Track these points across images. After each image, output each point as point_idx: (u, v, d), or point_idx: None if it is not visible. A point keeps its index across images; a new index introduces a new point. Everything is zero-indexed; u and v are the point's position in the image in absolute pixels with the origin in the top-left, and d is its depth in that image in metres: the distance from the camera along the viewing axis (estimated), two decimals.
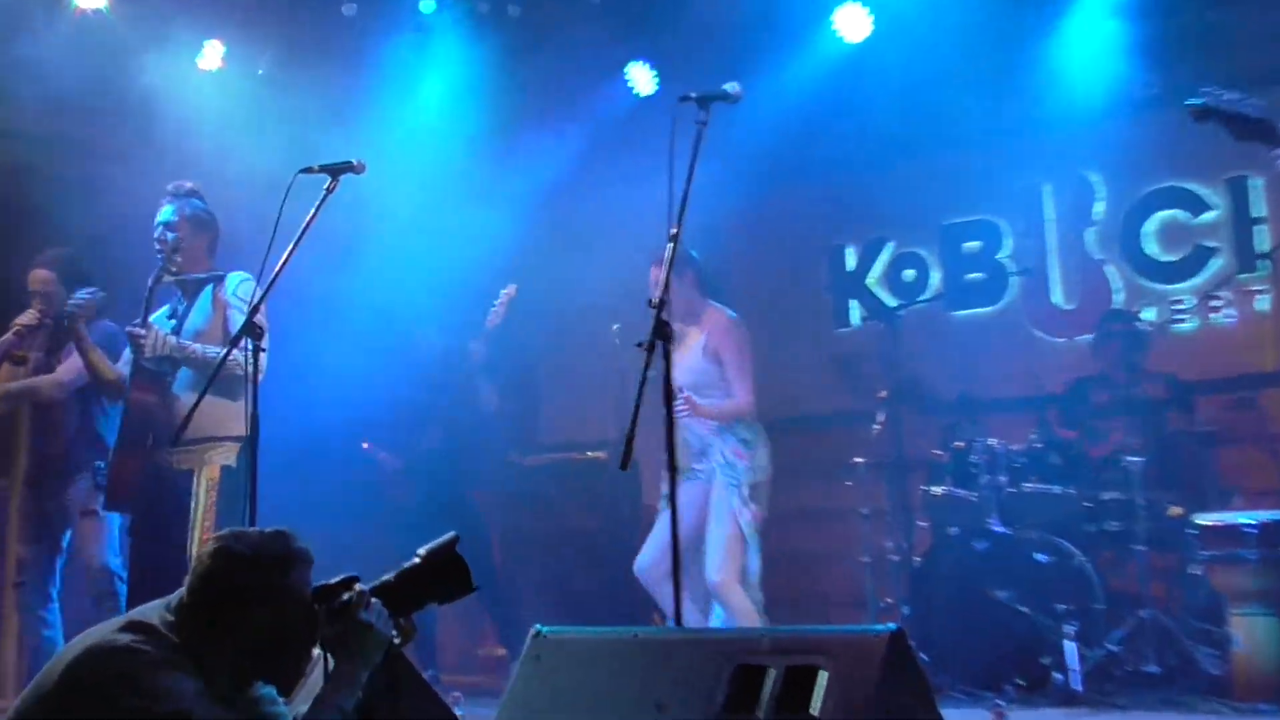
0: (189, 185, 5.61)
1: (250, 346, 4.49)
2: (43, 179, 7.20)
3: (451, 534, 3.24)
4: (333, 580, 3.13)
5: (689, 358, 5.98)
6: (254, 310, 4.52)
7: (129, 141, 6.88)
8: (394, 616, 3.16)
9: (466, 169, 7.81)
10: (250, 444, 4.42)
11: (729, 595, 5.86)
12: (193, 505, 5.20)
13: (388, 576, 3.21)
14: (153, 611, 3.02)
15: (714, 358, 6.02)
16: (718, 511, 5.93)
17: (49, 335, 6.15)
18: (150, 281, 5.41)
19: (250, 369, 4.49)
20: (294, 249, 4.43)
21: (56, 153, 7.43)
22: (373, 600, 3.14)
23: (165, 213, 5.53)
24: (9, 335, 6.01)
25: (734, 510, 5.90)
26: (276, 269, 4.44)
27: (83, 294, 5.79)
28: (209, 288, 5.50)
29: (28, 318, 6.01)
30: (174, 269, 5.44)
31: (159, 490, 5.26)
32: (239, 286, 5.39)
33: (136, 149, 6.79)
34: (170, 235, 5.46)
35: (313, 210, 4.49)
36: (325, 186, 4.54)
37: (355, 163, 4.58)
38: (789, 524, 6.88)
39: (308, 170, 4.51)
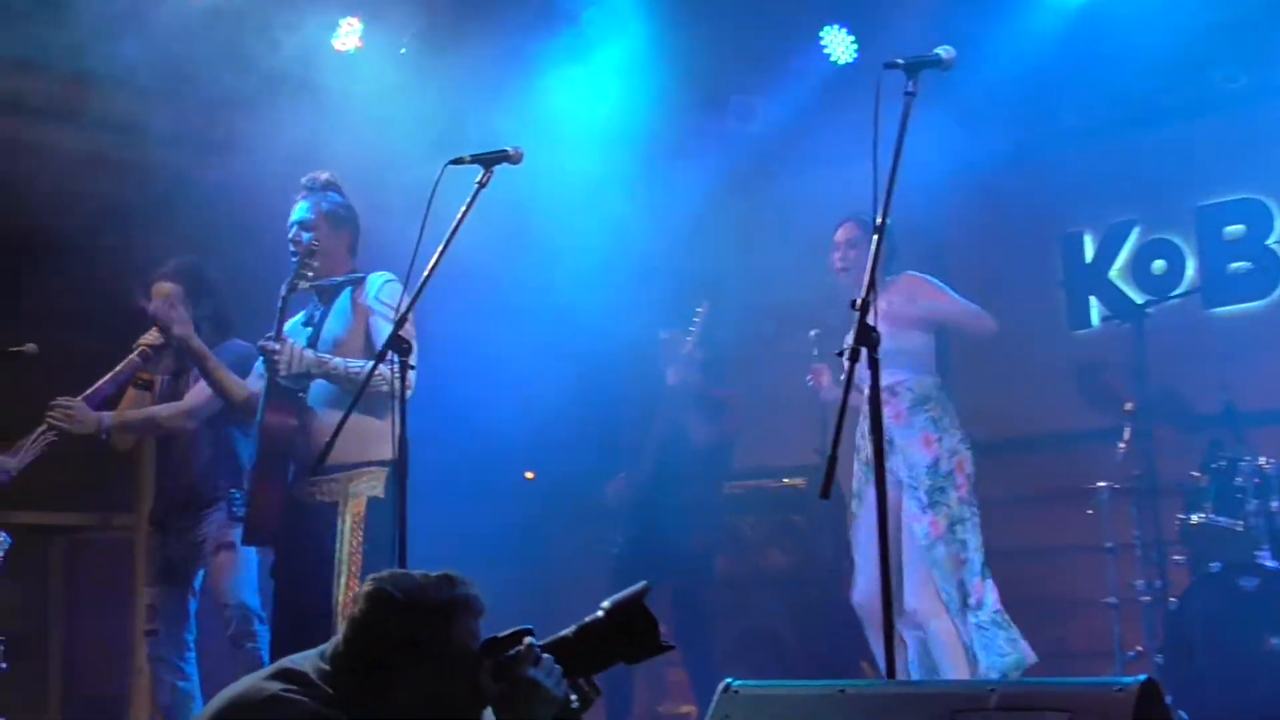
0: (325, 177, 5.70)
1: (396, 361, 4.52)
2: (164, 178, 7.39)
3: (641, 584, 3.20)
4: (503, 633, 3.11)
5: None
6: (401, 321, 4.53)
7: (257, 135, 7.01)
8: (573, 678, 3.13)
9: (641, 154, 7.85)
10: (399, 473, 4.44)
11: (930, 627, 5.87)
12: (337, 544, 5.25)
13: (567, 631, 3.19)
14: (305, 660, 3.06)
15: (911, 318, 6.09)
16: (906, 522, 5.98)
17: (175, 356, 6.27)
18: (284, 289, 5.47)
19: (397, 386, 4.52)
20: (444, 249, 4.48)
21: (178, 149, 7.59)
22: (545, 657, 3.10)
23: (299, 210, 5.62)
24: (133, 357, 6.10)
25: (912, 518, 5.93)
26: (425, 273, 4.49)
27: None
28: (347, 291, 5.58)
29: (151, 337, 6.12)
30: (310, 273, 5.50)
31: (300, 525, 5.32)
32: (381, 289, 5.46)
33: (265, 143, 6.92)
34: (306, 235, 5.53)
35: (464, 206, 4.52)
36: (478, 179, 4.57)
37: (511, 151, 4.61)
38: (1019, 560, 6.80)
39: (458, 161, 4.55)
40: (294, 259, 5.53)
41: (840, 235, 6.30)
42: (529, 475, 7.72)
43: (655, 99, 7.78)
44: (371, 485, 5.29)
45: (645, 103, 7.79)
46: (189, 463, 6.23)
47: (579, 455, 7.58)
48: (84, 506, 7.93)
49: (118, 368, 6.06)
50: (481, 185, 4.56)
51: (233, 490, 6.09)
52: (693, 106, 8.08)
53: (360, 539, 5.24)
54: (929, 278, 6.29)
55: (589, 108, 7.87)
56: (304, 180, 5.69)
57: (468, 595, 3.06)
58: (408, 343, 4.54)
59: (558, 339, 7.65)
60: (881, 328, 5.86)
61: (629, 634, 3.15)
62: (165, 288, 6.16)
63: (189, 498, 6.20)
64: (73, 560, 7.98)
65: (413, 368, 4.64)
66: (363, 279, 5.56)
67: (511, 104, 7.39)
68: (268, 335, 5.41)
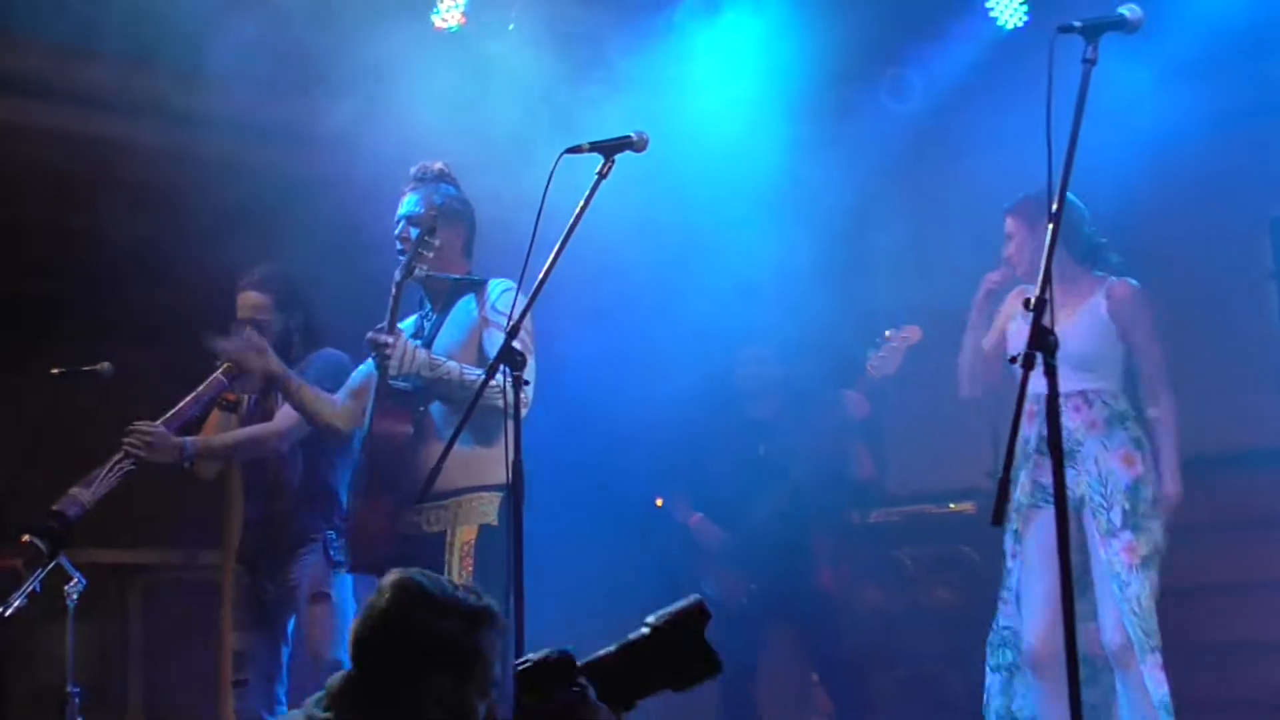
0: (438, 167, 5.79)
1: (509, 375, 4.57)
2: (250, 175, 7.47)
3: (694, 597, 3.10)
4: (538, 654, 3.02)
5: (1077, 324, 6.04)
6: (514, 330, 4.58)
7: (351, 124, 7.13)
8: (613, 705, 3.03)
9: (782, 140, 7.81)
10: (514, 497, 4.47)
11: (1127, 669, 5.84)
12: (445, 578, 5.29)
13: (607, 650, 3.08)
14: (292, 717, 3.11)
15: (1120, 331, 6.12)
16: (1093, 547, 5.95)
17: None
18: (397, 275, 5.54)
19: (510, 401, 4.55)
20: (562, 248, 4.52)
21: (265, 143, 7.74)
22: (582, 680, 3.01)
23: (408, 203, 5.72)
24: (216, 375, 6.09)
25: (1098, 542, 5.91)
26: (541, 276, 4.55)
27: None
28: (468, 298, 5.65)
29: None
30: (421, 266, 5.54)
31: (404, 556, 5.27)
32: (501, 298, 5.52)
33: (362, 133, 7.04)
34: (415, 231, 5.59)
35: (583, 200, 4.56)
36: (598, 169, 4.62)
37: (635, 137, 4.66)
38: (1210, 598, 6.80)
39: (575, 150, 4.62)
40: (401, 257, 5.59)
41: (1008, 226, 6.33)
42: (659, 503, 7.76)
43: (798, 76, 7.71)
44: (484, 511, 5.36)
45: (786, 80, 7.72)
46: (281, 493, 6.31)
47: (722, 479, 7.63)
48: (166, 543, 8.06)
49: (200, 388, 6.06)
50: (602, 176, 4.61)
51: (328, 530, 6.20)
52: (840, 83, 8.07)
53: (470, 571, 5.30)
54: (1153, 314, 6.26)
55: (721, 87, 7.83)
56: (413, 171, 5.78)
57: (493, 609, 3.10)
58: (521, 355, 4.58)
59: (690, 348, 7.74)
60: (1081, 327, 6.01)
61: (678, 656, 3.03)
62: (254, 298, 6.31)
63: (280, 534, 6.28)
64: (154, 602, 8.08)
65: (527, 383, 4.67)
66: (483, 284, 5.63)
67: (634, 84, 7.43)
68: (378, 326, 5.47)
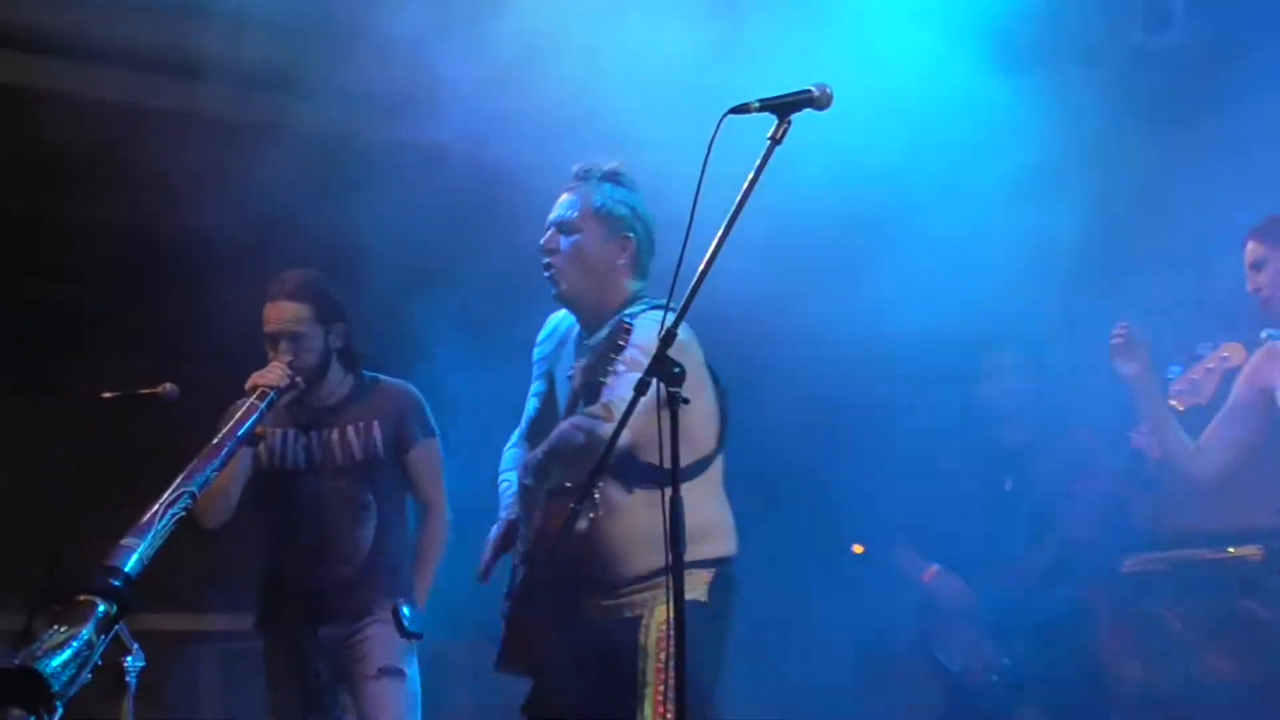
0: (610, 166, 5.84)
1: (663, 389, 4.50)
2: (337, 153, 7.64)
3: None
4: None
5: None
6: (669, 337, 4.54)
7: (496, 110, 7.21)
8: None
9: (1005, 83, 7.74)
10: (671, 547, 4.41)
11: None
12: (639, 662, 5.40)
13: None
14: None
15: None
16: None
17: (301, 405, 6.62)
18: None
19: (668, 429, 4.47)
20: (727, 233, 4.51)
21: (380, 128, 7.95)
22: None
23: (560, 207, 5.82)
24: (250, 400, 6.13)
25: None
26: (702, 267, 4.52)
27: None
28: (606, 338, 5.64)
29: (274, 376, 6.30)
30: (559, 288, 5.70)
31: (580, 644, 5.49)
32: (646, 334, 5.44)
33: (510, 121, 7.16)
34: (564, 241, 5.71)
35: (752, 174, 4.55)
36: (770, 133, 4.60)
37: (816, 91, 4.62)
38: None
39: (742, 109, 4.58)
40: (547, 274, 5.73)
41: (1255, 253, 6.48)
42: (857, 549, 7.78)
43: (1015, 11, 7.68)
44: (691, 587, 5.24)
45: (1014, 8, 7.69)
46: (348, 557, 6.53)
47: (958, 520, 7.69)
48: (241, 606, 8.00)
49: (236, 417, 6.00)
50: (776, 140, 4.58)
51: (401, 603, 6.44)
52: (1083, 11, 8.05)
53: (662, 654, 5.33)
54: None
55: (915, 27, 7.72)
56: (576, 168, 5.87)
57: None
58: (679, 367, 4.51)
59: (911, 356, 7.86)
60: None
61: None
62: (289, 309, 6.54)
63: (344, 605, 6.49)
64: (229, 676, 8.26)
65: (686, 401, 4.55)
66: (630, 328, 5.58)
67: (813, 23, 7.36)
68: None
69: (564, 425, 5.49)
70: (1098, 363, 6.98)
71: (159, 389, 6.28)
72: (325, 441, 6.58)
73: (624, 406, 4.73)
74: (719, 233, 4.53)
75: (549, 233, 5.79)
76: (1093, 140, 8.01)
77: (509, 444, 6.11)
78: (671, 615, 4.47)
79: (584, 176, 5.86)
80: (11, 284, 8.25)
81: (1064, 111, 7.89)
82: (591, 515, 5.45)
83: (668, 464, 4.49)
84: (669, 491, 4.48)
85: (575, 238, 5.75)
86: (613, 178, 5.86)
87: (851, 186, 7.26)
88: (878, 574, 8.00)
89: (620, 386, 5.20)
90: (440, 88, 7.30)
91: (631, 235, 5.82)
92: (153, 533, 5.56)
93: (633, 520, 5.43)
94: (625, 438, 4.89)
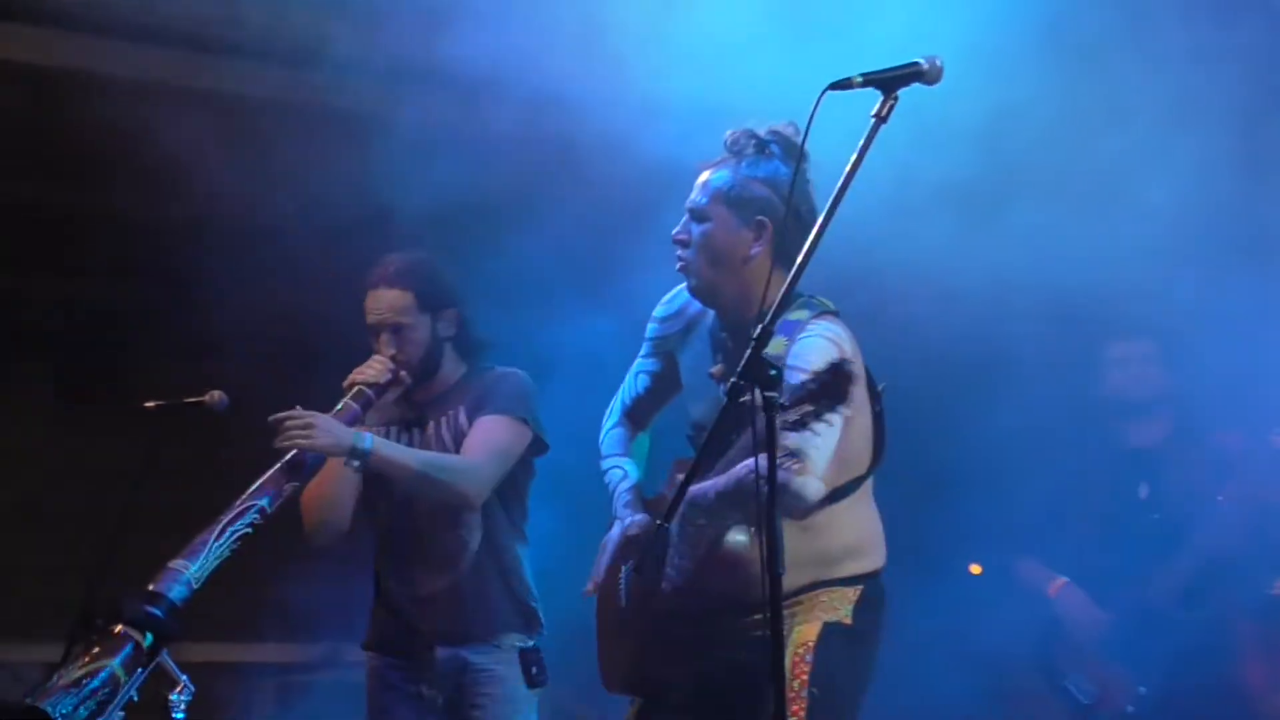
0: (766, 132, 5.53)
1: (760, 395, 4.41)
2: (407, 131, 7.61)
3: None
4: None
5: None
6: (764, 336, 4.45)
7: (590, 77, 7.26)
8: None
9: (1129, 49, 7.76)
10: (768, 572, 4.33)
11: None
12: (774, 689, 5.15)
13: None
14: None
15: None
16: None
17: (409, 401, 6.62)
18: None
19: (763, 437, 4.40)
20: (829, 219, 4.46)
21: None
22: None
23: (696, 191, 5.56)
24: (348, 401, 6.21)
25: None
26: (800, 259, 4.51)
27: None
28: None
29: (373, 371, 6.32)
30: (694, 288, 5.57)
31: (722, 669, 5.39)
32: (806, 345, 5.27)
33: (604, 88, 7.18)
34: (695, 228, 5.50)
35: (855, 154, 4.52)
36: (874, 110, 4.57)
37: (925, 65, 4.58)
38: None
39: (842, 84, 4.53)
40: (679, 267, 5.58)
41: None
42: (975, 569, 7.76)
43: None
44: (833, 606, 5.34)
45: None
46: (456, 559, 6.44)
47: (1086, 531, 7.72)
48: (299, 634, 8.25)
49: (333, 412, 6.13)
50: (881, 119, 4.54)
51: (521, 638, 6.42)
52: None
53: (805, 678, 5.25)
54: None
55: None
56: (727, 138, 5.60)
57: None
58: (776, 369, 4.41)
59: (1024, 342, 7.84)
60: None
61: None
62: (390, 297, 6.45)
63: (459, 618, 6.42)
64: (287, 712, 8.29)
65: (783, 406, 4.49)
66: (787, 344, 5.28)
67: None
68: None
69: (745, 473, 5.12)
70: (1247, 353, 7.04)
71: (206, 397, 6.23)
72: (423, 438, 6.52)
73: (819, 457, 4.82)
74: (819, 220, 4.50)
75: (682, 220, 5.61)
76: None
77: (609, 421, 6.03)
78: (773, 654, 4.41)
79: (734, 150, 5.60)
80: (40, 283, 8.38)
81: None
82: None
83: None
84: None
85: (705, 226, 5.54)
86: (763, 149, 5.55)
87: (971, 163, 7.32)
88: (996, 586, 8.01)
89: (813, 437, 4.88)
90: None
91: (768, 220, 5.49)
92: (207, 553, 5.65)
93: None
94: None
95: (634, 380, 6.03)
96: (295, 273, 7.44)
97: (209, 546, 5.66)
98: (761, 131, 5.57)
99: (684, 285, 5.72)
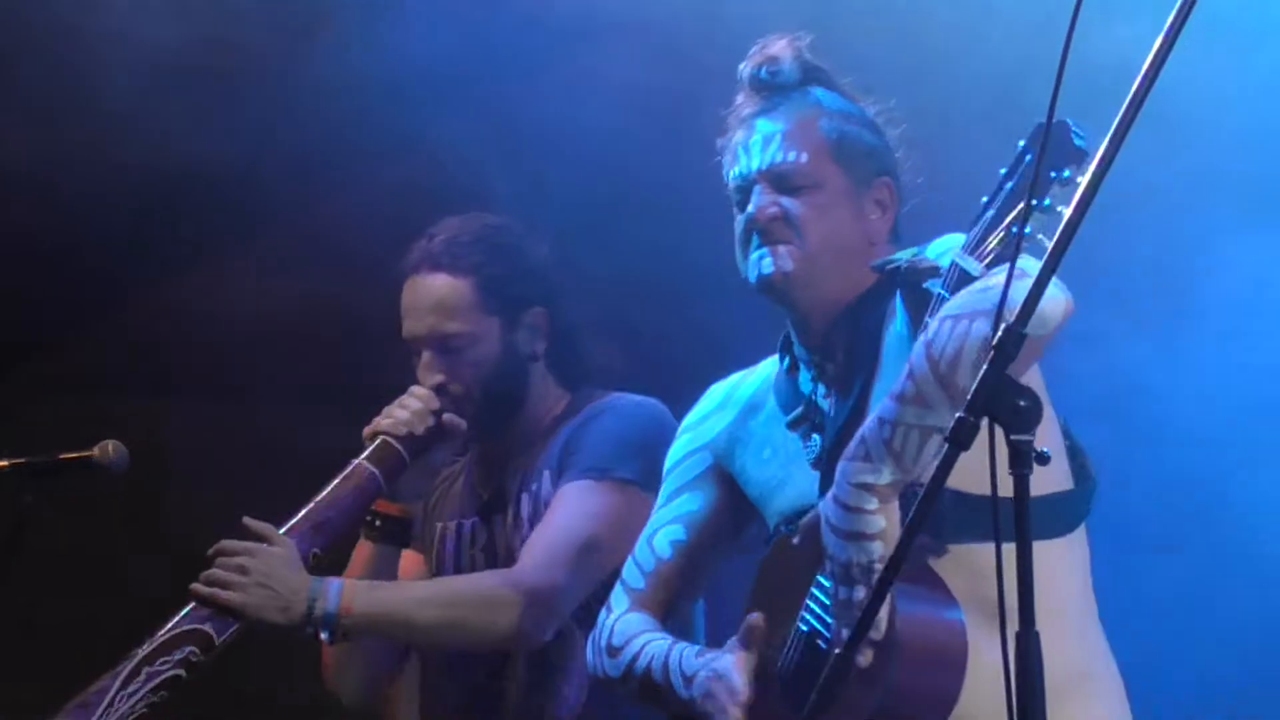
0: (808, 57, 4.39)
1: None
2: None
3: None
4: None
5: None
6: (1006, 346, 3.51)
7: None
8: None
9: None
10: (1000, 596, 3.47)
11: None
12: None
13: None
14: None
15: None
16: None
17: (482, 464, 5.26)
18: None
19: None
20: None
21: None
22: None
23: (770, 146, 4.34)
24: (361, 462, 4.91)
25: None
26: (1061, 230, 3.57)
27: None
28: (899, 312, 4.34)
29: (407, 413, 4.96)
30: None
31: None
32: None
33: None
34: (789, 204, 4.23)
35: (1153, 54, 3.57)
36: None
37: None
38: None
39: None
40: (759, 254, 4.33)
41: None
42: None
43: None
44: None
45: None
46: (510, 658, 5.08)
47: None
48: None
49: (335, 481, 4.88)
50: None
51: None
52: None
53: None
54: None
55: None
56: (745, 68, 4.38)
57: None
58: (1025, 396, 3.33)
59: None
60: None
61: None
62: (437, 288, 5.01)
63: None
64: None
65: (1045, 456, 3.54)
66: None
67: None
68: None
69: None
70: None
71: (92, 451, 4.84)
72: (504, 529, 5.12)
73: None
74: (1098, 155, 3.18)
75: (758, 193, 4.31)
76: None
77: (608, 614, 4.63)
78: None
79: (775, 80, 4.40)
80: None
81: None
82: None
83: None
84: None
85: (814, 197, 4.28)
86: (826, 79, 4.40)
87: None
88: None
89: None
90: None
91: (889, 178, 4.35)
92: (101, 710, 4.45)
93: None
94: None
95: (648, 547, 4.66)
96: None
97: (108, 704, 4.45)
98: (803, 52, 4.42)
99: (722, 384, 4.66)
